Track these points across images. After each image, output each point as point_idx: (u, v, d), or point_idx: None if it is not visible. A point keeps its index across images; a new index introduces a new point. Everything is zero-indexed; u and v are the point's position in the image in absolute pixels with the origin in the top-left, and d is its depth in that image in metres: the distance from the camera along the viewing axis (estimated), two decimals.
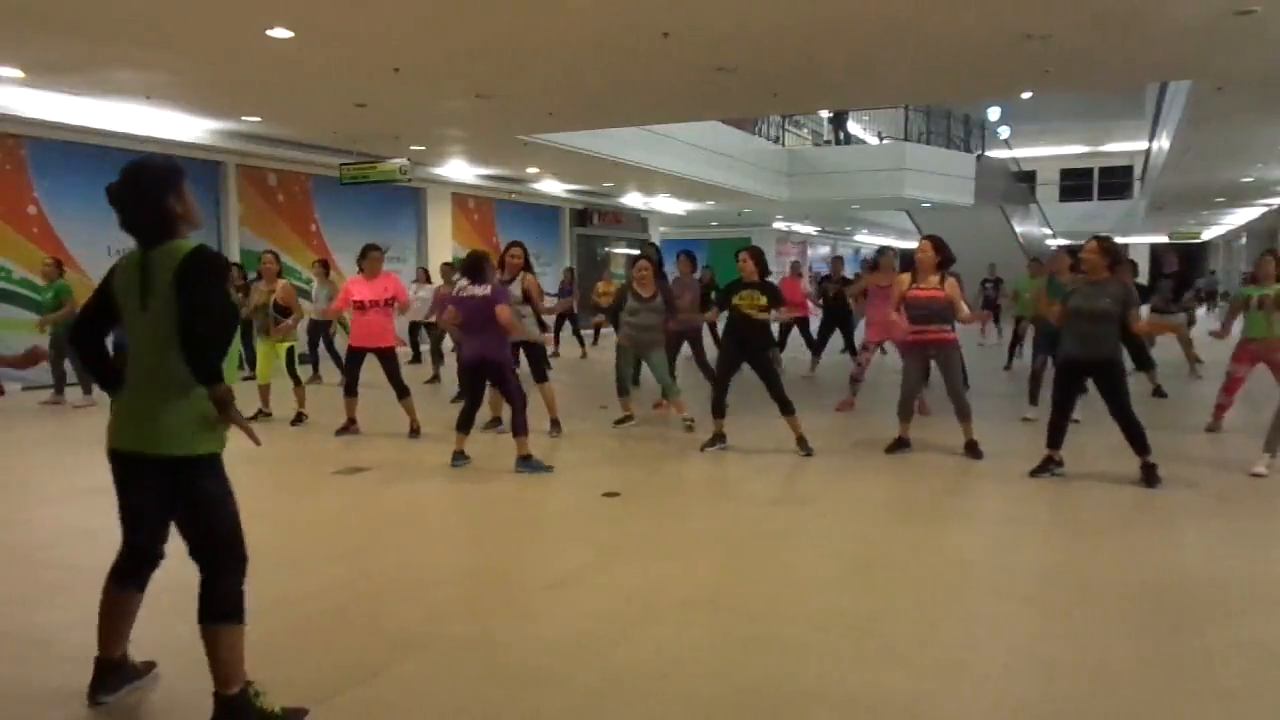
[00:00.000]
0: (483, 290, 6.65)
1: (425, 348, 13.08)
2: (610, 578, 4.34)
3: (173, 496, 2.77)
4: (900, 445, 7.16)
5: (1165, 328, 9.66)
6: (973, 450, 6.94)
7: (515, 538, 5.16)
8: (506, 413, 7.99)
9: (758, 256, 7.15)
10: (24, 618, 3.79)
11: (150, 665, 3.11)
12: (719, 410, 7.26)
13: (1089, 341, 5.98)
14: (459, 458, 6.72)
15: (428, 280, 13.40)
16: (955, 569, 4.47)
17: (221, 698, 2.71)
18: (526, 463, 6.53)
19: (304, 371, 9.46)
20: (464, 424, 6.78)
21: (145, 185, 2.76)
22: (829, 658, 3.36)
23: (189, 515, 2.77)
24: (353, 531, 5.14)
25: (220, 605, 2.74)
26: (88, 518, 5.43)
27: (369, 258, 7.98)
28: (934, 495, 6.05)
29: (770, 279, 7.27)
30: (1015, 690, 3.12)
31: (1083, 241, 6.43)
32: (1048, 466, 6.25)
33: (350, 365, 7.94)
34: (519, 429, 6.57)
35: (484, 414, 8.34)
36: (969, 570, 4.47)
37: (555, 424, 8.02)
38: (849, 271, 14.97)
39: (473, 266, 6.79)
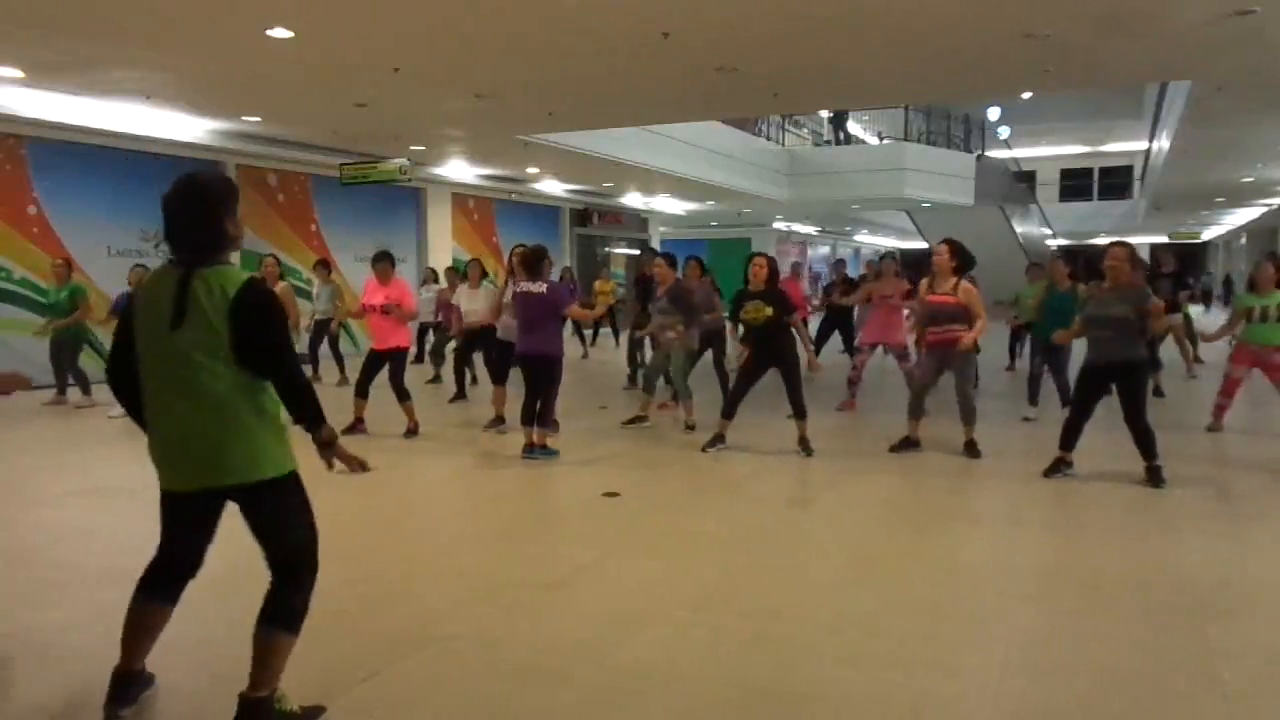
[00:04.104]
0: (539, 288, 6.86)
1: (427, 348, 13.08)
2: (611, 578, 4.34)
3: (244, 511, 2.74)
4: (907, 445, 7.15)
5: (1177, 324, 9.60)
6: (971, 449, 6.95)
7: (516, 537, 5.15)
8: (507, 411, 8.07)
9: (772, 265, 7.15)
10: (24, 618, 3.78)
11: (152, 676, 3.01)
12: (729, 413, 7.26)
13: (1110, 346, 5.96)
14: (530, 450, 6.94)
15: (435, 280, 13.39)
16: (956, 569, 4.47)
17: (248, 700, 2.69)
18: (544, 450, 6.92)
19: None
20: (528, 419, 6.98)
21: (205, 202, 2.70)
22: (829, 658, 3.37)
23: (267, 534, 2.75)
24: (352, 531, 5.14)
25: (286, 614, 2.73)
26: (88, 518, 5.44)
27: (378, 267, 7.99)
28: (935, 495, 6.05)
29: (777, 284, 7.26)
30: (1016, 690, 3.12)
31: (1082, 243, 6.44)
32: (1059, 467, 6.24)
33: (367, 366, 7.94)
34: (548, 422, 6.96)
35: (487, 412, 8.35)
36: (970, 570, 4.47)
37: (554, 424, 8.04)
38: (850, 273, 14.98)
39: (531, 263, 6.97)
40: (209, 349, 2.62)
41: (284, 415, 2.77)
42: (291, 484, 2.76)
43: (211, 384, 2.63)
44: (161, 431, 2.72)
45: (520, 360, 7.15)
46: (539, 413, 6.96)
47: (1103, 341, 6.01)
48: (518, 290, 7.04)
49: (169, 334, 2.64)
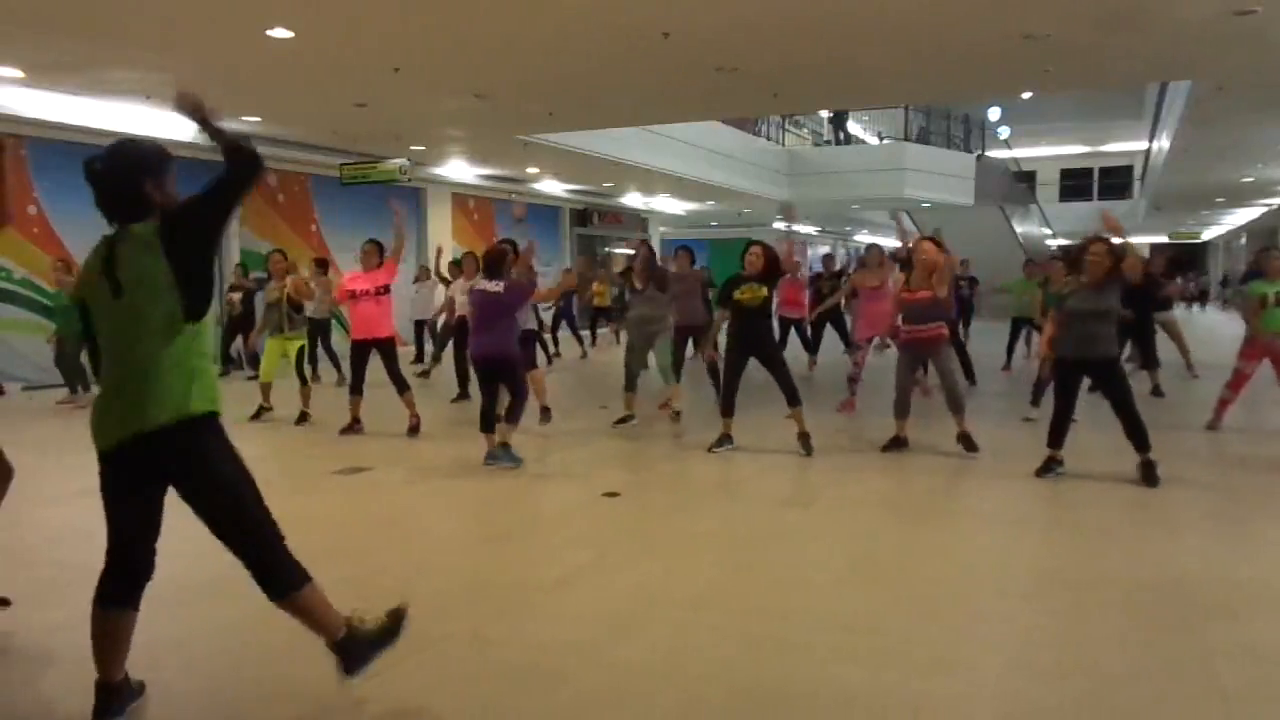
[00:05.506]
0: (495, 286, 6.60)
1: (428, 347, 13.04)
2: (610, 578, 4.34)
3: (179, 476, 2.64)
4: (896, 444, 7.14)
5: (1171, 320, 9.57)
6: (966, 441, 6.90)
7: (515, 537, 5.15)
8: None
9: (770, 254, 7.05)
10: (24, 618, 3.78)
11: (141, 685, 2.94)
12: (728, 410, 7.22)
13: (1085, 341, 6.00)
14: (491, 456, 6.62)
15: (428, 277, 13.37)
16: (955, 569, 4.47)
17: (335, 644, 2.77)
18: (505, 450, 6.54)
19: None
20: (487, 425, 6.68)
21: (125, 165, 2.68)
22: (829, 658, 3.37)
23: (204, 489, 2.64)
24: (353, 531, 5.14)
25: (281, 579, 2.69)
26: (88, 518, 5.40)
27: (363, 251, 8.08)
28: (934, 495, 6.05)
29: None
30: (1015, 690, 3.12)
31: (1081, 243, 6.46)
32: (1050, 466, 6.24)
33: (355, 360, 7.91)
34: (513, 418, 6.62)
35: (454, 389, 8.39)
36: (969, 570, 4.47)
37: (545, 411, 8.07)
38: (839, 266, 14.98)
39: (493, 261, 6.75)
40: (153, 309, 2.58)
41: (214, 371, 2.77)
42: (219, 429, 2.69)
43: (149, 348, 2.60)
44: (101, 392, 2.72)
45: (476, 364, 6.81)
46: (507, 407, 6.66)
47: (1082, 337, 6.02)
48: (474, 288, 6.79)
49: (113, 305, 2.64)
